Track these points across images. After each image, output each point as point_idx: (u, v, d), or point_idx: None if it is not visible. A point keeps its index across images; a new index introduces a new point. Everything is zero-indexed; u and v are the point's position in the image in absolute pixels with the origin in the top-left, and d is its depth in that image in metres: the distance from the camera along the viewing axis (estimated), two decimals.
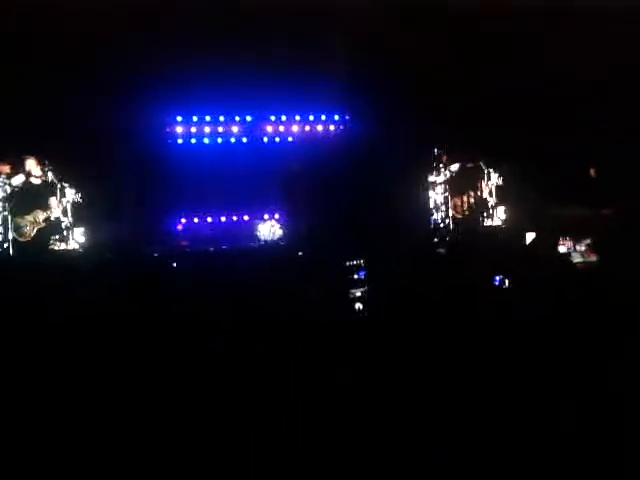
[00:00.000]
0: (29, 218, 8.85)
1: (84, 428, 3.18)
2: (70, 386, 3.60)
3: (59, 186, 9.01)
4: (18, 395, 3.46)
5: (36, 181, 8.92)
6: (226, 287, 6.04)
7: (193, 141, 11.78)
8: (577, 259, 7.45)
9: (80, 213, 9.14)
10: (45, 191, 8.99)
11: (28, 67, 9.06)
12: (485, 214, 9.72)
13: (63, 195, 9.06)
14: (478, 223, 9.70)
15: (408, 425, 3.15)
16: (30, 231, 8.82)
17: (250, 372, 3.72)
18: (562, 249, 7.68)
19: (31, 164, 8.89)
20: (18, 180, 8.78)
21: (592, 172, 9.51)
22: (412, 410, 3.24)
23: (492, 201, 9.67)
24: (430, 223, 10.16)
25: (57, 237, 9.03)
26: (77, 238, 9.15)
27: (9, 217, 8.65)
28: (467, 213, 9.77)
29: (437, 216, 10.13)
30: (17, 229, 8.72)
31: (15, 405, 3.36)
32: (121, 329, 4.53)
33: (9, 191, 8.70)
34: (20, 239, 8.74)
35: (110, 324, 4.62)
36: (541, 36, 8.85)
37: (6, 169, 8.74)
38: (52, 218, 8.92)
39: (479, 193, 9.76)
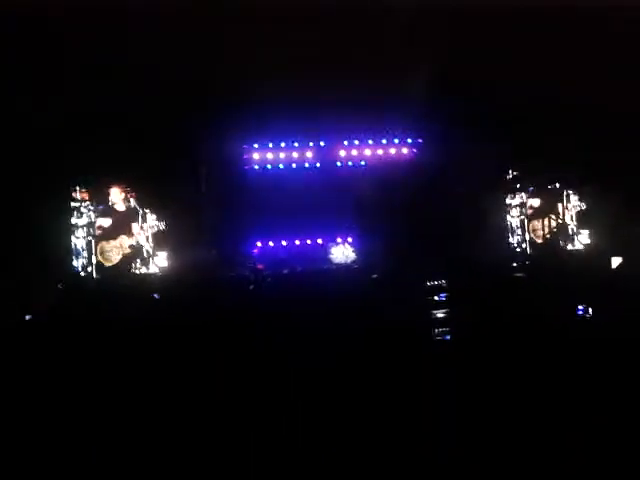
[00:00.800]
0: (114, 243, 9.32)
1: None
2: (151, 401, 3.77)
3: (141, 213, 9.46)
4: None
5: (120, 208, 9.40)
6: (302, 310, 6.10)
7: (269, 167, 12.05)
8: None
9: (162, 238, 9.53)
10: (130, 218, 9.47)
11: (110, 98, 9.44)
12: (567, 238, 9.37)
13: (145, 221, 9.51)
14: (559, 247, 9.36)
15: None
16: (115, 255, 9.28)
17: (327, 398, 3.76)
18: None
19: (115, 192, 9.39)
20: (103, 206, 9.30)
21: None
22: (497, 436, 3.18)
23: (574, 224, 9.30)
24: (509, 246, 9.89)
25: (139, 262, 9.44)
26: (158, 262, 9.55)
27: (93, 242, 9.13)
28: (547, 237, 9.45)
29: (515, 239, 9.85)
30: (102, 253, 9.20)
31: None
32: (200, 344, 4.70)
33: (94, 217, 9.20)
34: (106, 264, 9.21)
35: (191, 339, 4.81)
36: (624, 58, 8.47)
37: (85, 196, 9.24)
38: (136, 244, 9.35)
39: (560, 216, 9.43)
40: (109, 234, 9.34)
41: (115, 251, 9.33)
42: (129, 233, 9.40)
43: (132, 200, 9.47)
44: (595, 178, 9.15)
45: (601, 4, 7.72)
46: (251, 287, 9.21)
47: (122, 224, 9.44)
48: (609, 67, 8.57)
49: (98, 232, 9.26)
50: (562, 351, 4.42)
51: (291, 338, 4.94)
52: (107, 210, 9.40)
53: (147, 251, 9.50)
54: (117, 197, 9.42)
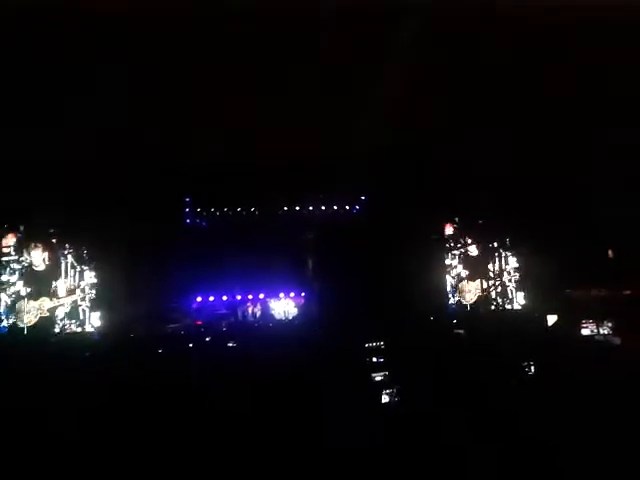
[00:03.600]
0: (34, 304, 8.89)
1: None
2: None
3: (77, 270, 9.09)
4: None
5: (42, 268, 9.02)
6: (239, 366, 5.95)
7: (210, 221, 11.96)
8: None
9: (96, 297, 9.17)
10: (53, 277, 9.10)
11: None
12: (504, 298, 9.63)
13: (82, 279, 9.14)
14: (496, 307, 9.59)
15: None
16: (31, 316, 8.83)
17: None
18: (585, 331, 7.53)
19: (36, 253, 9.02)
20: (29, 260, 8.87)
21: (610, 253, 9.45)
22: None
23: (511, 285, 9.58)
24: (447, 306, 10.04)
25: (73, 321, 9.02)
26: (93, 322, 9.15)
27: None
28: (484, 297, 9.68)
29: (454, 299, 10.02)
30: (19, 313, 8.75)
31: None
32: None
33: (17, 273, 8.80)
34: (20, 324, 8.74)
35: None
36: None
37: (11, 238, 8.84)
38: (64, 305, 8.95)
39: (497, 276, 9.71)
40: (30, 294, 8.93)
41: (33, 312, 8.86)
42: (51, 294, 9.01)
43: (62, 259, 9.11)
44: (531, 241, 9.50)
45: None
46: (190, 345, 8.90)
47: (44, 283, 9.06)
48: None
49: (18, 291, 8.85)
50: (508, 405, 4.44)
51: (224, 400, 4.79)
52: (28, 270, 9.02)
53: (83, 310, 9.09)
54: (38, 256, 9.05)
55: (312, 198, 12.19)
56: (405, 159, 9.73)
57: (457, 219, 10.19)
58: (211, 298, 11.90)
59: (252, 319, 11.62)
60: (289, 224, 12.13)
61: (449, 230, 10.39)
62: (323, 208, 12.25)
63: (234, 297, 12.06)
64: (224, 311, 11.84)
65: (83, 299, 9.10)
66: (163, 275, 10.53)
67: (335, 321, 9.14)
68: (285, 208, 12.17)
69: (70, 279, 9.19)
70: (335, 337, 7.76)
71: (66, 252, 9.12)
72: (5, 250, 8.88)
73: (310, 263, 11.54)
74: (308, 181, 11.40)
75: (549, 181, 9.09)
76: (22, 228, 9.05)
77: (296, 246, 11.60)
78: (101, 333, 8.77)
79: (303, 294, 11.77)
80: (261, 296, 12.06)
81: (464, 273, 9.97)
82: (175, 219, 11.46)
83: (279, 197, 12.06)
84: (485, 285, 9.75)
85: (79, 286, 9.17)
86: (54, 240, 9.17)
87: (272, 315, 11.69)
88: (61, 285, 9.14)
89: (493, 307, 9.56)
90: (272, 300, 11.85)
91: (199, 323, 11.16)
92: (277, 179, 10.97)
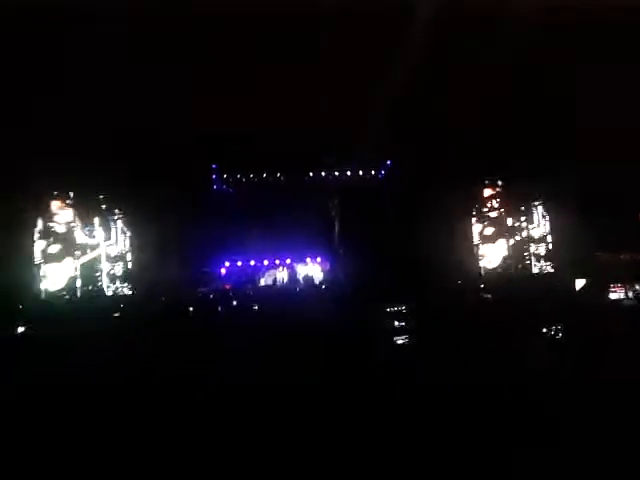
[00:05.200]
0: (62, 265, 9.13)
1: None
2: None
3: (128, 234, 9.34)
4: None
5: (65, 229, 9.24)
6: (266, 329, 6.09)
7: (238, 187, 12.04)
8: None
9: (132, 258, 9.40)
10: (84, 237, 9.33)
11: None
12: (534, 261, 9.55)
13: (127, 243, 9.41)
14: (526, 269, 9.53)
15: None
16: (63, 279, 9.10)
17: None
18: (614, 296, 7.48)
19: (67, 213, 9.23)
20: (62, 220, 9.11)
21: None
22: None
23: (541, 248, 9.49)
24: (475, 270, 10.01)
25: (125, 284, 9.31)
26: (133, 284, 9.40)
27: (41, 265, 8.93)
28: (514, 260, 9.61)
29: (483, 262, 9.98)
30: (47, 277, 8.94)
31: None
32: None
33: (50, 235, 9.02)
34: (50, 287, 8.99)
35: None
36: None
37: (57, 204, 9.04)
38: (97, 263, 9.19)
39: (527, 239, 9.63)
40: (58, 255, 9.16)
41: (62, 273, 9.10)
42: (80, 254, 9.24)
43: (112, 224, 9.34)
44: (561, 204, 9.36)
45: None
46: (219, 308, 9.10)
47: (73, 244, 9.29)
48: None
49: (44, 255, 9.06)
50: (531, 370, 4.46)
51: (256, 356, 4.91)
52: (54, 232, 9.25)
53: (125, 273, 9.35)
54: (65, 218, 9.28)
55: (337, 163, 12.16)
56: (432, 122, 9.61)
57: (488, 181, 10.06)
58: (239, 263, 12.09)
59: (279, 284, 11.77)
60: (314, 190, 12.16)
61: (483, 192, 10.27)
62: (349, 173, 12.21)
63: (261, 262, 12.22)
64: (251, 276, 12.03)
65: (127, 263, 9.30)
66: (193, 241, 10.72)
67: (358, 286, 9.21)
68: (310, 174, 12.17)
69: (120, 244, 9.47)
70: (357, 302, 7.84)
71: (115, 217, 9.31)
72: (55, 217, 9.07)
73: (336, 228, 11.58)
74: (333, 146, 11.35)
75: (580, 146, 8.90)
76: (72, 195, 9.21)
77: (322, 211, 11.64)
78: (148, 295, 9.04)
79: (328, 259, 11.86)
80: (288, 261, 12.20)
81: (493, 236, 9.89)
82: (204, 186, 11.58)
83: (304, 163, 12.06)
84: (515, 248, 9.69)
85: (127, 250, 9.37)
86: (103, 206, 9.37)
87: (298, 280, 11.82)
88: (109, 249, 9.41)
89: (522, 270, 9.49)
90: (299, 265, 11.97)
91: (227, 287, 11.38)
92: (302, 145, 10.95)
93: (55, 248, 9.01)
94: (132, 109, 8.55)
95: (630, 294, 7.45)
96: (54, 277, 8.91)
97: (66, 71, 8.15)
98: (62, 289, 8.98)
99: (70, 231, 9.08)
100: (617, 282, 7.56)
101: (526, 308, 6.16)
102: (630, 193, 8.97)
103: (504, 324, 5.67)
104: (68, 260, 9.07)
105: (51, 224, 9.01)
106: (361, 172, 12.22)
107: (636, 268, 8.20)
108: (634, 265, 8.38)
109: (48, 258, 8.91)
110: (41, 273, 8.86)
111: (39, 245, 8.85)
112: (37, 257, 8.87)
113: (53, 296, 8.84)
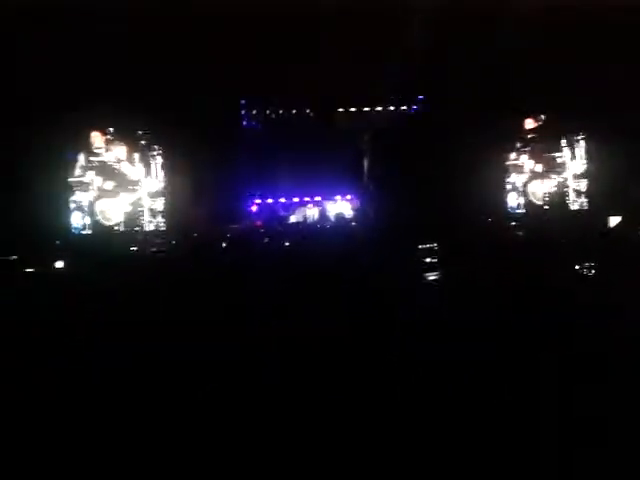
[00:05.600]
0: (116, 202, 9.22)
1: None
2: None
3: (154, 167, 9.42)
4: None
5: (119, 165, 9.29)
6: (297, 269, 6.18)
7: (268, 124, 11.96)
8: None
9: (164, 196, 9.52)
10: (133, 174, 9.38)
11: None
12: (567, 198, 9.39)
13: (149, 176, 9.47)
14: (560, 207, 9.38)
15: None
16: (116, 215, 9.19)
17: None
18: None
19: (121, 149, 9.26)
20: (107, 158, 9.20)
21: None
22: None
23: (578, 185, 9.31)
24: (507, 207, 9.91)
25: (143, 219, 9.41)
26: (160, 219, 9.54)
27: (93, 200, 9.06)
28: (548, 196, 9.46)
29: (515, 200, 9.85)
30: (102, 212, 9.12)
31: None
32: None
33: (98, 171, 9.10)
34: (105, 222, 9.13)
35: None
36: None
37: (98, 137, 9.12)
38: (140, 201, 9.30)
39: (561, 176, 9.44)
40: (111, 191, 9.29)
41: (115, 209, 9.23)
42: (132, 190, 9.36)
43: (151, 160, 9.41)
44: (597, 138, 9.10)
45: None
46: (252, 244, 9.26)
47: (125, 180, 9.39)
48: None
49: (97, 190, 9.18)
50: (563, 314, 4.39)
51: (286, 296, 5.00)
52: (107, 167, 9.31)
53: (150, 209, 9.47)
54: (121, 154, 9.32)
55: (367, 99, 11.94)
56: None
57: (528, 114, 9.77)
58: (269, 200, 12.17)
59: (310, 220, 11.85)
60: (344, 126, 12.02)
61: (523, 125, 10.01)
62: (379, 109, 12.00)
63: (291, 199, 12.28)
64: (282, 213, 12.12)
65: (167, 198, 9.58)
66: (225, 178, 10.80)
67: (389, 223, 9.20)
68: (340, 109, 12.00)
69: (160, 180, 9.59)
70: (387, 240, 7.87)
71: (155, 153, 9.39)
72: (96, 151, 9.18)
73: (366, 165, 11.49)
74: (364, 81, 11.12)
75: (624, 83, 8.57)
76: (112, 130, 9.28)
77: (352, 148, 11.52)
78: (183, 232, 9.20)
79: (358, 197, 11.83)
80: (318, 198, 12.22)
81: (532, 171, 9.72)
82: (234, 122, 11.53)
83: (334, 99, 11.88)
84: (554, 184, 9.51)
85: (166, 186, 9.54)
86: (143, 142, 9.42)
87: (329, 217, 11.86)
88: (150, 185, 9.49)
89: (559, 208, 9.35)
90: (329, 202, 11.99)
91: (258, 224, 11.51)
92: (331, 80, 10.75)
93: (109, 184, 9.23)
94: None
95: None
96: (106, 212, 9.08)
97: None
98: (115, 224, 9.17)
99: (118, 166, 9.22)
100: None
101: (559, 245, 6.13)
102: None
103: (536, 261, 5.66)
104: (122, 195, 9.26)
105: (94, 158, 9.09)
106: (392, 107, 12.01)
107: None
108: None
109: (101, 193, 9.07)
110: (95, 208, 9.00)
111: (88, 180, 8.95)
112: (88, 193, 8.98)
113: (105, 232, 9.00)
